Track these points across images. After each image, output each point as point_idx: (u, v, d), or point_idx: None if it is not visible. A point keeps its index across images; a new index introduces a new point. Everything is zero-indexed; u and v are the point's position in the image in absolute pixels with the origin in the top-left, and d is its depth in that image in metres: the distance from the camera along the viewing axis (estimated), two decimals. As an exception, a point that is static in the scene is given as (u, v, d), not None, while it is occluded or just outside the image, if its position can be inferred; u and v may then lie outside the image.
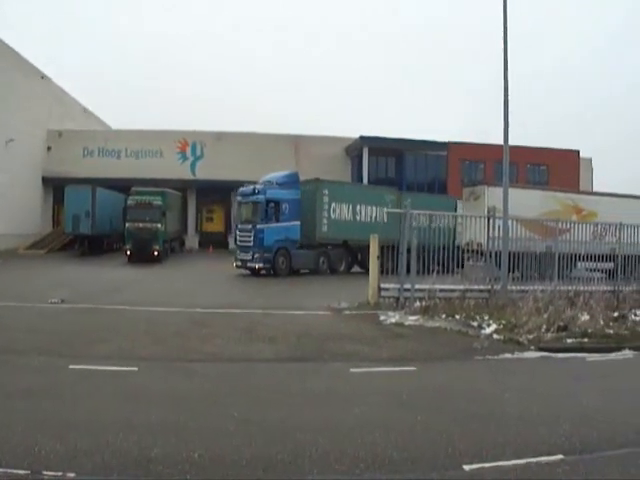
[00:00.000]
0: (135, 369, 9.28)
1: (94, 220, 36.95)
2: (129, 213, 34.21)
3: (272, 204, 27.51)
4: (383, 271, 16.99)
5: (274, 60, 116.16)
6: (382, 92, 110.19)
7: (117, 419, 6.85)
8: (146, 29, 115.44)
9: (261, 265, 27.15)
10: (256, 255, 27.08)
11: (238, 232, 28.83)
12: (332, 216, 26.98)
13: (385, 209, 24.24)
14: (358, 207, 17.88)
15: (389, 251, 16.97)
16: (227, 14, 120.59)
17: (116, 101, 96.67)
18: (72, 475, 5.28)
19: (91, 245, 38.27)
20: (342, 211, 20.20)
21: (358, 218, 16.30)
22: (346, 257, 15.49)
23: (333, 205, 27.47)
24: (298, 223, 27.88)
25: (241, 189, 29.55)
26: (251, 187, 28.39)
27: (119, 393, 8.03)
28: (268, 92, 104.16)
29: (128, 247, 33.73)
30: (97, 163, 45.70)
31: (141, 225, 33.54)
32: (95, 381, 8.64)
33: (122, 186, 39.66)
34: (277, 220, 27.50)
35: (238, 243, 28.67)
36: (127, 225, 33.94)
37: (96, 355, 10.19)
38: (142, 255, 33.16)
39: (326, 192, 28.34)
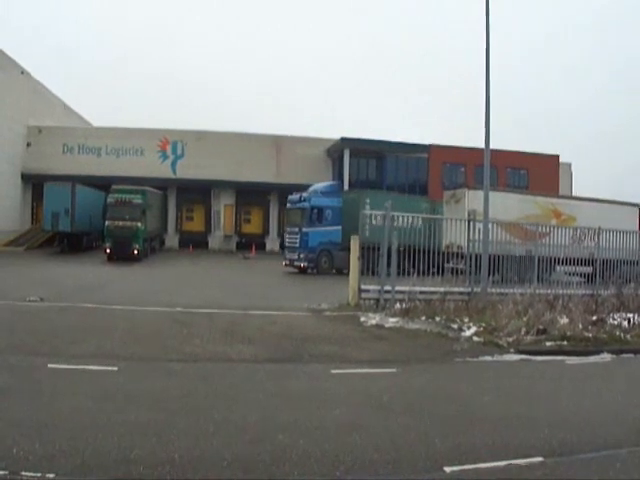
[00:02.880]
0: (115, 369, 9.21)
1: (73, 217, 36.63)
2: (109, 211, 34.03)
3: (316, 210, 30.84)
4: (416, 273, 17.26)
5: (258, 61, 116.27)
6: (364, 93, 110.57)
7: (96, 419, 6.78)
8: (127, 26, 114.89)
9: (306, 264, 30.31)
10: (302, 255, 30.42)
11: (286, 234, 32.57)
12: (373, 222, 28.23)
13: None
14: (395, 215, 18.85)
15: (421, 254, 17.39)
16: (209, 12, 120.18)
17: (97, 98, 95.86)
18: (51, 476, 5.22)
19: (70, 243, 38.00)
20: (379, 219, 21.23)
21: (396, 224, 17.10)
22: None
23: (374, 212, 28.55)
24: (340, 227, 30.33)
25: (290, 197, 33.27)
26: (298, 195, 32.12)
27: (98, 393, 7.94)
28: (250, 92, 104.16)
29: (108, 245, 33.56)
30: (77, 160, 45.37)
31: (121, 223, 33.37)
32: (74, 380, 8.57)
33: (102, 184, 39.48)
34: (321, 224, 30.46)
35: (286, 244, 32.36)
36: (107, 223, 33.77)
37: (75, 354, 10.10)
38: (122, 253, 33.01)
39: (368, 201, 30.09)
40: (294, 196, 32.67)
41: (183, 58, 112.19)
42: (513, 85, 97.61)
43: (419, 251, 17.31)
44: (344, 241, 29.53)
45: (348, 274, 17.41)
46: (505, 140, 58.98)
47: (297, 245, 30.86)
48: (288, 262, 31.47)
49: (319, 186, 33.36)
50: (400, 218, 18.02)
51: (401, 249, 17.08)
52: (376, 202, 29.67)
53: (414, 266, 17.24)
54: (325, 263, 30.55)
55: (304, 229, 30.64)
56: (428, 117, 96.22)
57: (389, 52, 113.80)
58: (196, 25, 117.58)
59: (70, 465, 5.48)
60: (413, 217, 19.26)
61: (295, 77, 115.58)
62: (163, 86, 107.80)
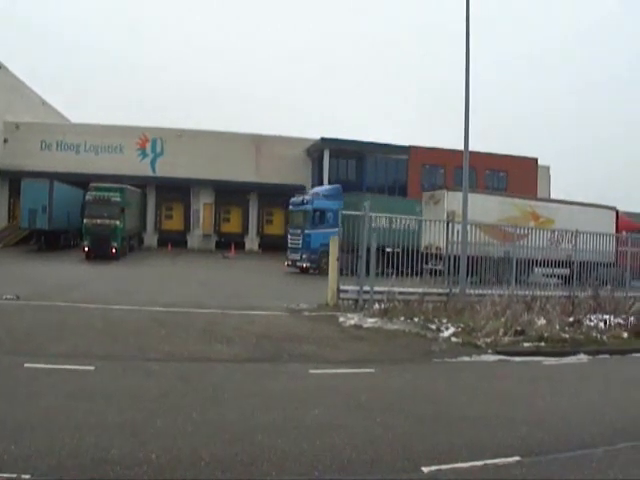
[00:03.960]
0: (92, 368, 9.13)
1: (51, 215, 36.28)
2: (87, 209, 33.71)
3: (318, 212, 31.56)
4: (402, 274, 17.47)
5: (238, 60, 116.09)
6: (344, 93, 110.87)
7: (73, 419, 6.73)
8: (127, 26, 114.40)
9: (308, 265, 30.71)
10: (304, 256, 31.18)
11: (289, 236, 33.18)
12: (372, 225, 28.56)
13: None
14: (394, 217, 19.50)
15: (414, 255, 17.75)
16: (192, 10, 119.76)
17: (75, 95, 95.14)
18: (27, 477, 5.17)
19: (48, 241, 37.60)
20: (380, 220, 21.40)
21: (393, 226, 17.84)
22: (382, 260, 16.83)
23: (373, 215, 28.92)
24: (341, 229, 29.73)
25: (292, 199, 34.26)
26: (301, 198, 33.21)
27: (75, 392, 7.88)
28: (231, 91, 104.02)
29: (86, 243, 33.23)
30: (55, 157, 44.99)
31: (99, 221, 33.06)
32: (51, 380, 8.48)
33: (80, 181, 39.12)
34: (322, 226, 30.69)
35: (289, 245, 32.93)
36: (85, 221, 33.45)
37: (52, 353, 9.99)
38: (100, 252, 32.69)
39: (366, 204, 29.68)
40: (297, 198, 33.66)
41: (165, 55, 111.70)
42: (501, 87, 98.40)
43: (410, 252, 17.44)
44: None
45: (346, 274, 17.46)
46: (484, 142, 59.11)
47: (299, 246, 31.61)
48: (290, 262, 32.20)
49: (321, 189, 34.61)
50: (398, 220, 18.29)
51: (397, 250, 17.28)
52: (375, 204, 30.14)
53: (409, 267, 17.50)
54: (326, 264, 30.17)
55: (307, 231, 31.36)
56: (408, 117, 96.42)
57: (385, 52, 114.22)
58: (177, 22, 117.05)
59: (46, 465, 5.43)
60: (394, 218, 19.34)
61: (292, 77, 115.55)
62: (160, 86, 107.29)
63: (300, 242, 31.66)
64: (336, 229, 29.99)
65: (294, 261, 31.97)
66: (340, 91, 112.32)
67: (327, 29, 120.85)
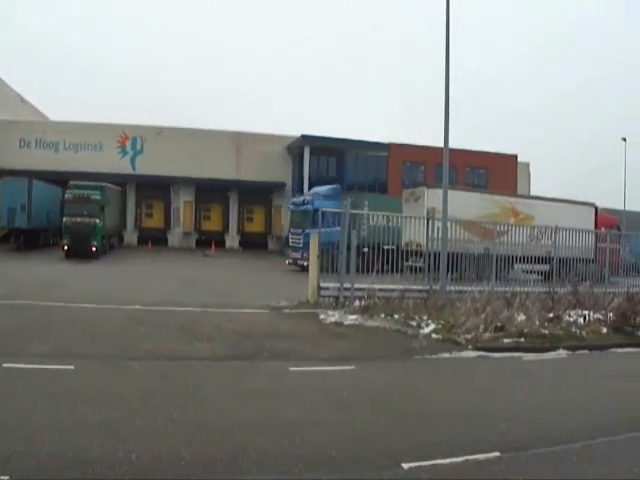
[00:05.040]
0: (71, 367, 9.05)
1: (30, 213, 35.82)
2: (67, 207, 33.33)
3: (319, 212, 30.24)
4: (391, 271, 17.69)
5: (217, 56, 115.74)
6: (324, 89, 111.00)
7: (53, 420, 6.69)
8: (127, 26, 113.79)
9: (308, 263, 29.50)
10: (305, 254, 30.35)
11: (290, 235, 34.62)
12: (370, 223, 28.65)
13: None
14: (390, 215, 19.99)
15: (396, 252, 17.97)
16: (171, 6, 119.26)
17: (54, 92, 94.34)
18: (6, 478, 5.11)
19: (27, 239, 37.09)
20: (378, 219, 21.65)
21: (390, 225, 18.25)
22: (380, 258, 16.98)
23: (371, 214, 28.88)
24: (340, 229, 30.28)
25: (293, 199, 36.94)
26: (301, 198, 35.09)
27: (55, 392, 7.81)
28: (211, 89, 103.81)
29: (65, 242, 32.86)
30: (34, 155, 44.49)
31: (79, 220, 32.70)
32: (30, 380, 8.39)
33: (60, 179, 38.71)
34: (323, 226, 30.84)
35: (290, 244, 34.25)
36: (64, 220, 33.07)
37: (31, 353, 9.89)
38: (80, 250, 32.36)
39: (366, 203, 31.32)
40: (297, 199, 35.45)
41: (147, 51, 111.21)
42: (474, 84, 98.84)
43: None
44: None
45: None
46: (464, 139, 59.34)
47: (300, 245, 32.01)
48: (291, 261, 32.88)
49: (321, 189, 35.26)
50: (394, 219, 18.70)
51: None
52: (373, 204, 30.54)
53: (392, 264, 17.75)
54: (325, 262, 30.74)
55: (307, 230, 31.33)
56: (388, 113, 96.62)
57: (384, 51, 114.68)
58: (159, 19, 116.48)
59: (25, 467, 5.38)
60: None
61: (255, 74, 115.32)
62: (125, 79, 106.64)
63: (301, 241, 32.11)
64: (336, 228, 30.57)
65: (295, 259, 32.51)
66: (335, 91, 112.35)
67: (325, 29, 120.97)
